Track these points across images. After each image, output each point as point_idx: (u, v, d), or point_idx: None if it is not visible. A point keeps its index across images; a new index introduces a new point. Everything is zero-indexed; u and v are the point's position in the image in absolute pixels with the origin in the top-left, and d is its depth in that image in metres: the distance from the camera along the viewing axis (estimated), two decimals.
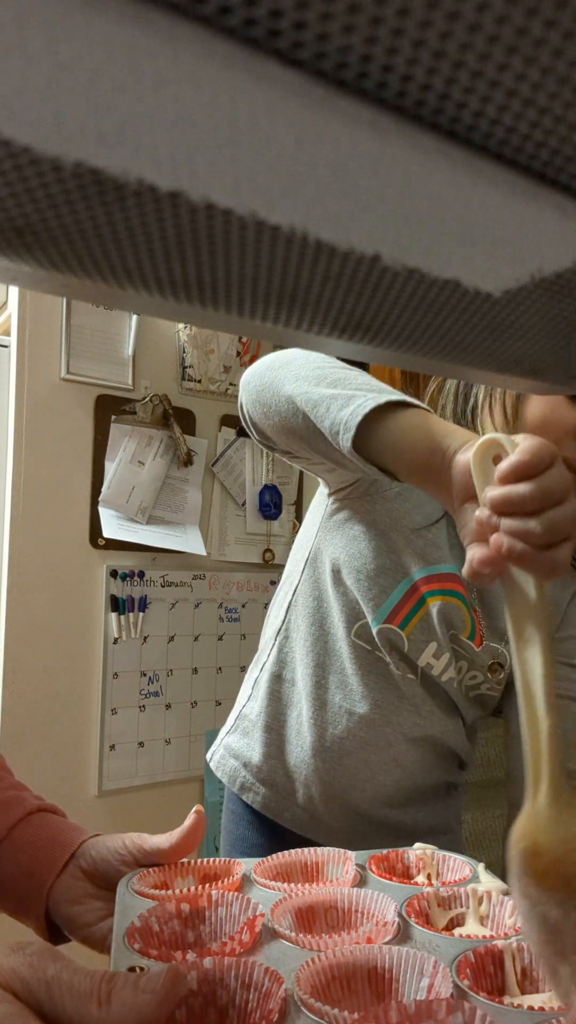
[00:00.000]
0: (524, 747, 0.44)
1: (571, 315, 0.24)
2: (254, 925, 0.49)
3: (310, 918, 0.54)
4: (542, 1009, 0.41)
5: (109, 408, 1.68)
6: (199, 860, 0.61)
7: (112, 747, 1.63)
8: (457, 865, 0.61)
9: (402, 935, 0.49)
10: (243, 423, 0.80)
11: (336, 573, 0.84)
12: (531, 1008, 0.41)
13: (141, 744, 1.68)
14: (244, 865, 0.60)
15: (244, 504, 1.87)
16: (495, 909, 0.53)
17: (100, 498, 1.64)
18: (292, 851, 0.62)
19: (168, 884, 0.58)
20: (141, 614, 1.69)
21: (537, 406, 0.75)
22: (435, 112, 0.16)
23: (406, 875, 0.62)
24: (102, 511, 1.64)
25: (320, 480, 0.89)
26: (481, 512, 0.48)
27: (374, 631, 0.81)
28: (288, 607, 0.90)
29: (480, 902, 0.54)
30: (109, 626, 1.65)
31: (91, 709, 1.62)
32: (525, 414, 0.76)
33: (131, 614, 1.67)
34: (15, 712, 1.48)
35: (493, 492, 0.48)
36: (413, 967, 0.45)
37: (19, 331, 1.58)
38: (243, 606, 1.86)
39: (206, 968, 0.44)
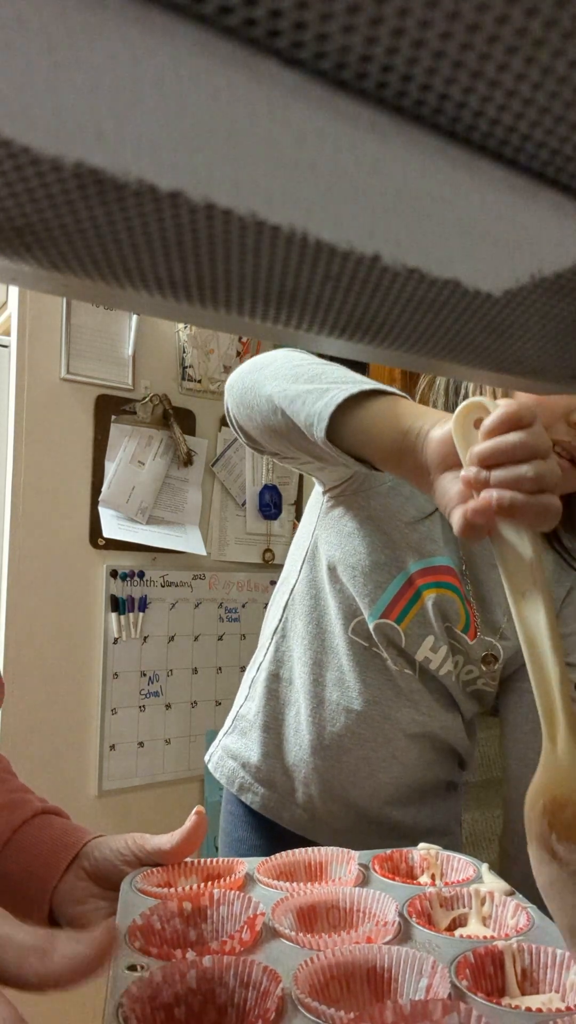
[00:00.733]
0: (537, 702, 0.45)
1: (571, 315, 0.24)
2: (254, 924, 0.49)
3: (312, 917, 0.54)
4: (539, 1011, 0.41)
5: (109, 408, 1.68)
6: (202, 860, 0.61)
7: (112, 747, 1.63)
8: (461, 865, 0.61)
9: (402, 935, 0.49)
10: (230, 427, 0.80)
11: (332, 571, 0.84)
12: (528, 1009, 0.41)
13: (141, 744, 1.68)
14: (247, 864, 0.60)
15: (244, 504, 1.87)
16: (498, 910, 0.53)
17: (100, 498, 1.64)
18: (295, 851, 0.62)
19: (171, 883, 0.59)
20: (141, 614, 1.69)
21: (522, 395, 0.76)
22: (435, 112, 0.16)
23: (410, 875, 0.62)
24: (102, 511, 1.64)
25: (315, 479, 0.90)
26: (467, 471, 0.49)
27: (371, 627, 0.81)
28: (285, 606, 0.90)
29: (483, 902, 0.54)
30: (109, 626, 1.65)
31: (91, 709, 1.62)
32: (515, 399, 0.76)
33: (131, 614, 1.67)
34: (15, 712, 1.48)
35: (481, 446, 0.49)
36: (412, 967, 0.45)
37: (19, 331, 1.58)
38: (243, 606, 1.86)
39: (205, 967, 0.44)
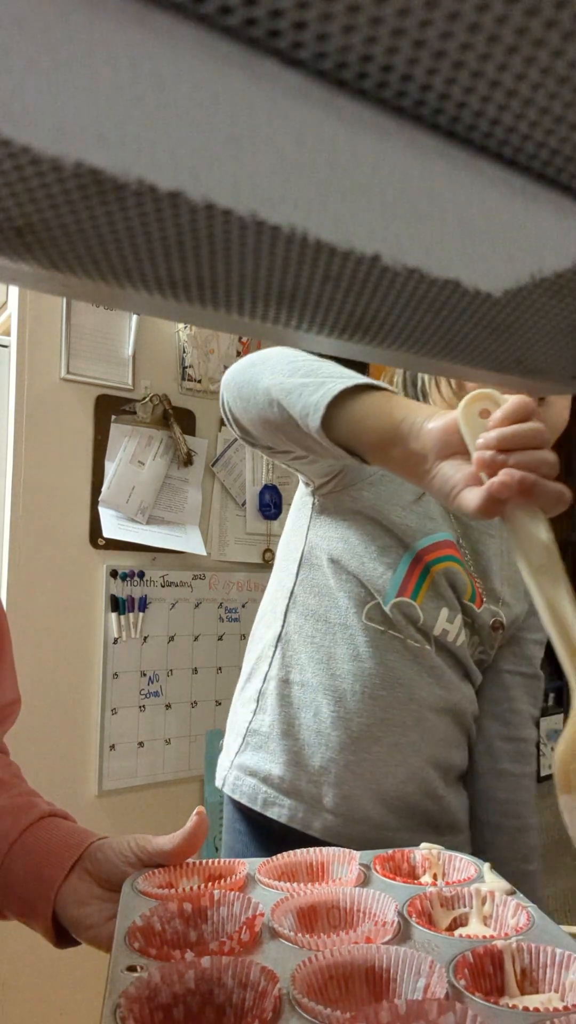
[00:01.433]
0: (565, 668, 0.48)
1: (571, 315, 0.24)
2: (253, 924, 0.49)
3: (312, 918, 0.54)
4: (537, 1010, 0.41)
5: (109, 408, 1.68)
6: (204, 860, 0.61)
7: (112, 747, 1.63)
8: (463, 865, 0.61)
9: (402, 935, 0.49)
10: (225, 420, 0.82)
11: (336, 563, 0.85)
12: (526, 1009, 0.41)
13: (141, 744, 1.68)
14: (248, 865, 0.60)
15: (244, 504, 1.87)
16: (498, 909, 0.53)
17: (100, 498, 1.64)
18: (296, 851, 0.62)
19: (173, 884, 0.59)
20: (141, 614, 1.69)
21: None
22: (435, 112, 0.16)
23: (412, 875, 0.62)
24: (102, 511, 1.64)
25: (302, 479, 0.91)
26: (483, 454, 0.52)
27: (387, 608, 0.83)
28: (285, 612, 0.91)
29: (483, 902, 0.54)
30: (109, 626, 1.65)
31: (91, 709, 1.62)
32: (468, 389, 0.82)
33: (131, 614, 1.67)
34: None
35: (501, 431, 0.52)
36: (410, 967, 0.45)
37: (19, 331, 1.58)
38: (243, 606, 1.86)
39: (204, 967, 0.44)
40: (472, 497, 0.52)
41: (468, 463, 0.54)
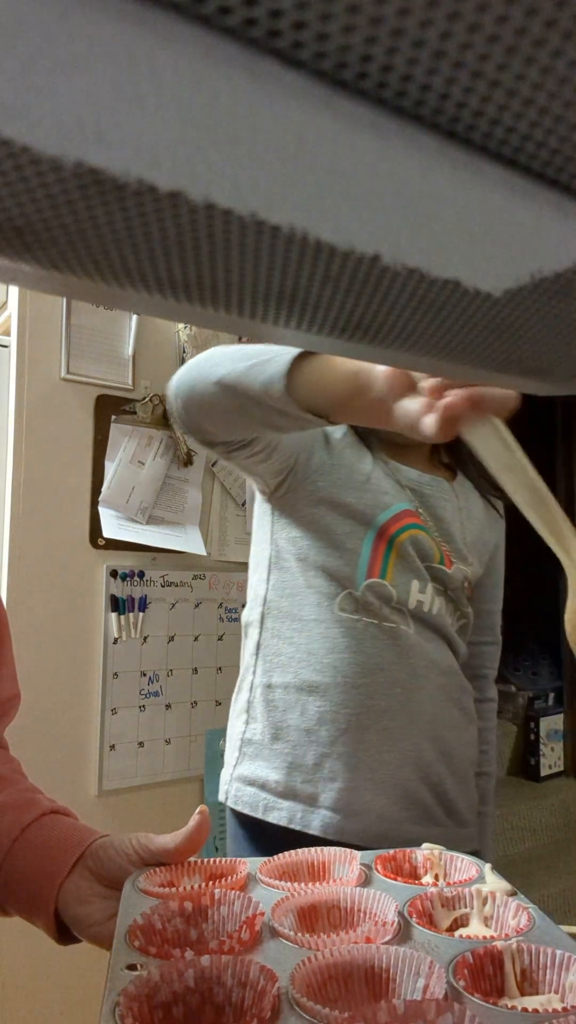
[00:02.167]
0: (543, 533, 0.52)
1: (571, 315, 0.24)
2: (253, 924, 0.49)
3: (312, 917, 0.54)
4: (536, 1011, 0.41)
5: (109, 408, 1.67)
6: (206, 859, 0.61)
7: (112, 747, 1.63)
8: (464, 865, 0.61)
9: (402, 935, 0.49)
10: (179, 426, 0.84)
11: (303, 561, 0.87)
12: (525, 1010, 0.41)
13: (141, 744, 1.68)
14: (249, 864, 0.60)
15: (244, 504, 1.87)
16: (499, 910, 0.53)
17: (100, 498, 1.64)
18: (297, 851, 0.62)
19: (175, 883, 0.59)
20: (141, 614, 1.69)
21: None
22: (435, 112, 0.16)
23: (413, 875, 0.62)
24: (102, 511, 1.64)
25: (257, 487, 0.93)
26: (431, 382, 0.56)
27: (359, 593, 0.84)
28: (261, 619, 0.92)
29: (484, 903, 0.54)
30: (109, 626, 1.65)
31: (91, 709, 1.62)
32: None
33: (131, 614, 1.67)
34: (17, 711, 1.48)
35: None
36: (410, 967, 0.45)
37: (19, 331, 1.58)
38: (243, 606, 1.86)
39: (203, 966, 0.44)
40: (430, 421, 0.55)
41: (422, 397, 0.57)
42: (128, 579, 1.68)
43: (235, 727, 0.94)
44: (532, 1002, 0.43)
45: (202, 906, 0.53)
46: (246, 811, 0.88)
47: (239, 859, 0.61)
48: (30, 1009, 1.49)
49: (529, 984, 0.46)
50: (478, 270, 0.20)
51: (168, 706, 1.73)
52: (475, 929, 0.52)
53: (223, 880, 0.58)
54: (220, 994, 0.44)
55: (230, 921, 0.53)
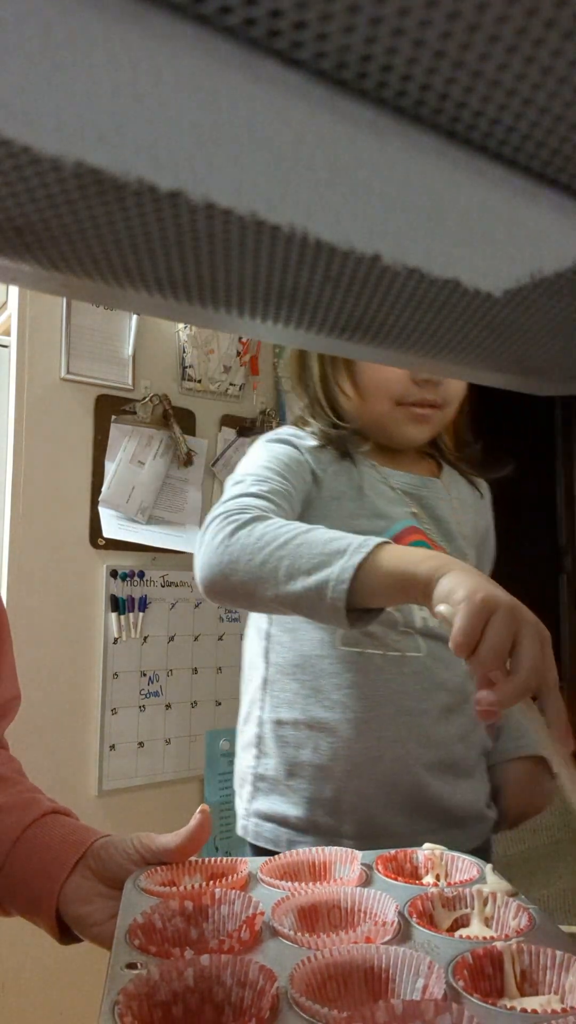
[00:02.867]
0: None
1: (571, 315, 0.24)
2: (253, 923, 0.49)
3: (313, 917, 0.54)
4: (535, 1012, 0.41)
5: (109, 408, 1.67)
6: (207, 859, 0.61)
7: (112, 747, 1.63)
8: (465, 866, 0.61)
9: (402, 935, 0.49)
10: (202, 591, 0.80)
11: None
12: (524, 1011, 0.41)
13: (141, 744, 1.68)
14: (250, 864, 0.60)
15: None
16: (500, 911, 0.53)
17: (100, 498, 1.64)
18: (298, 851, 0.62)
19: (175, 882, 0.59)
20: (141, 614, 1.69)
21: (366, 372, 0.87)
22: (435, 112, 0.16)
23: (414, 875, 0.62)
24: (102, 511, 1.64)
25: None
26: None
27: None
28: (265, 654, 0.91)
29: (485, 903, 0.53)
30: (109, 626, 1.65)
31: (91, 709, 1.62)
32: (363, 384, 0.87)
33: (131, 614, 1.67)
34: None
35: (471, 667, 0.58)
36: (409, 967, 0.45)
37: (19, 331, 1.58)
38: (241, 619, 1.86)
39: (203, 965, 0.44)
40: (479, 709, 0.57)
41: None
42: (128, 579, 1.68)
43: (245, 760, 0.93)
44: (532, 1003, 0.43)
45: (202, 905, 0.53)
46: (268, 847, 0.88)
47: (240, 859, 0.61)
48: (30, 1009, 1.49)
49: (529, 985, 0.46)
50: (478, 270, 0.20)
51: (168, 706, 1.73)
52: (476, 930, 0.52)
53: (224, 879, 0.58)
54: (219, 993, 0.44)
55: (230, 920, 0.53)
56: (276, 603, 0.70)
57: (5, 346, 1.60)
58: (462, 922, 0.53)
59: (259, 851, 0.89)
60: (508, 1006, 0.41)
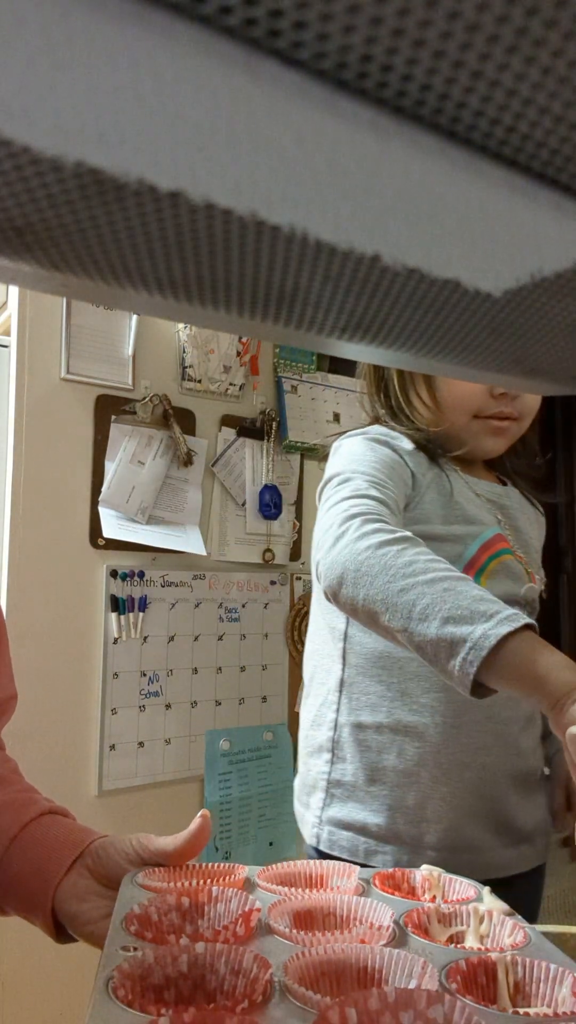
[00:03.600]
0: None
1: (571, 315, 0.24)
2: (249, 919, 0.49)
3: (308, 921, 0.54)
4: (527, 1015, 0.41)
5: (109, 408, 1.67)
6: (204, 864, 0.61)
7: (112, 747, 1.63)
8: (462, 888, 0.61)
9: (397, 941, 0.49)
10: (322, 587, 0.77)
11: None
12: (516, 1013, 0.41)
13: (141, 744, 1.68)
14: (247, 870, 0.60)
15: (244, 504, 1.87)
16: (495, 929, 0.53)
17: (100, 498, 1.64)
18: (296, 861, 0.62)
19: (172, 883, 0.59)
20: (141, 614, 1.69)
21: (446, 385, 0.88)
22: (435, 112, 0.16)
23: (411, 894, 0.61)
24: (102, 511, 1.64)
25: None
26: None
27: None
28: (343, 655, 0.89)
29: (481, 921, 0.53)
30: (109, 626, 1.65)
31: (91, 709, 1.62)
32: (442, 397, 0.88)
33: (131, 614, 1.67)
34: (16, 711, 1.48)
35: None
36: (402, 968, 0.45)
37: (19, 331, 1.58)
38: (243, 606, 1.86)
39: (197, 952, 0.44)
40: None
41: None
42: (128, 579, 1.68)
43: (315, 765, 0.90)
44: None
45: (199, 902, 0.53)
46: (344, 856, 0.85)
47: (237, 864, 0.61)
48: (30, 1009, 1.49)
49: (522, 997, 0.46)
50: (478, 270, 0.20)
51: (168, 706, 1.73)
52: (470, 945, 0.52)
53: (221, 880, 0.58)
54: (213, 981, 0.44)
55: (226, 917, 0.52)
56: (398, 635, 0.67)
57: (5, 346, 1.60)
58: (457, 939, 0.53)
59: (331, 859, 0.88)
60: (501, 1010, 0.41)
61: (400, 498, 0.83)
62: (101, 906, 0.58)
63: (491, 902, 0.57)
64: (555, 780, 0.92)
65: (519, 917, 0.54)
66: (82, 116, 0.14)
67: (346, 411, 2.04)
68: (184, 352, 1.79)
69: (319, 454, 0.88)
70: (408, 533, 0.72)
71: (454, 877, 0.62)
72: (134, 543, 1.66)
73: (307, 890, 0.57)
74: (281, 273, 0.19)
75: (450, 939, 0.53)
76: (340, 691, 0.88)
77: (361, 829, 0.84)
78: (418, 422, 0.90)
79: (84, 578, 1.63)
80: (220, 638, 1.82)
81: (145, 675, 1.70)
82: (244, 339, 1.88)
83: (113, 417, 1.68)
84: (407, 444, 0.88)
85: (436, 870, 0.63)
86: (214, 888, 0.54)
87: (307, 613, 1.93)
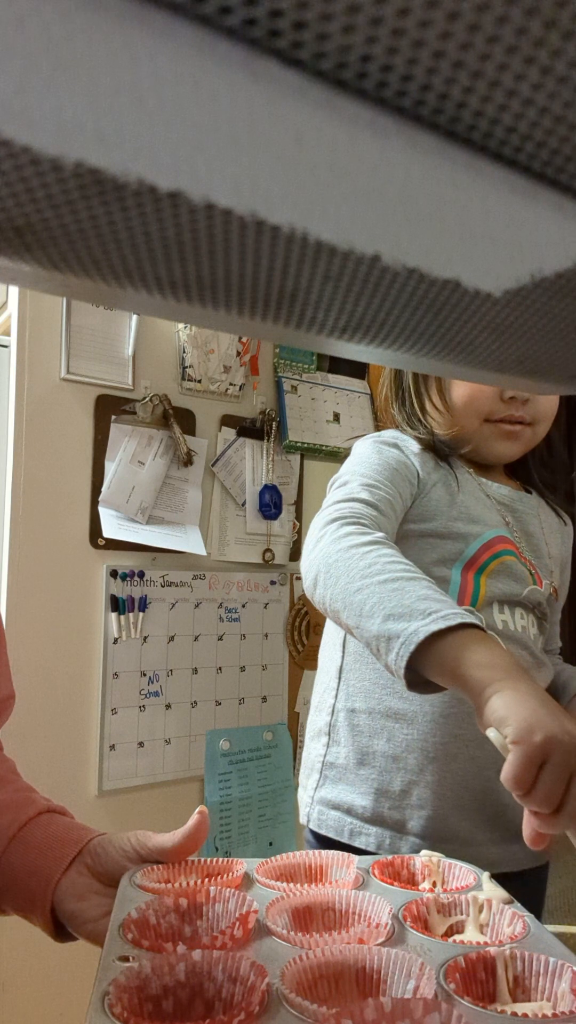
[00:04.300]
0: None
1: (571, 315, 0.24)
2: (247, 921, 0.49)
3: (307, 918, 0.54)
4: (525, 1016, 0.41)
5: (109, 408, 1.67)
6: (204, 859, 0.61)
7: (112, 747, 1.63)
8: (462, 873, 0.61)
9: (395, 938, 0.49)
10: (304, 587, 0.80)
11: None
12: (514, 1015, 0.41)
13: (141, 744, 1.68)
14: (246, 864, 0.60)
15: (244, 504, 1.87)
16: (495, 917, 0.53)
17: (100, 498, 1.64)
18: (295, 853, 0.62)
19: (171, 881, 0.59)
20: (141, 614, 1.69)
21: (456, 389, 0.89)
22: (435, 112, 0.16)
23: (411, 882, 0.61)
24: (102, 511, 1.64)
25: None
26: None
27: None
28: (344, 642, 0.91)
29: (480, 910, 0.53)
30: (109, 626, 1.65)
31: (91, 709, 1.62)
32: (453, 401, 0.89)
33: (131, 614, 1.67)
34: (15, 712, 1.48)
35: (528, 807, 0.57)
36: (401, 969, 0.45)
37: (19, 331, 1.58)
38: (243, 606, 1.86)
39: (194, 960, 0.44)
40: (526, 833, 0.57)
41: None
42: (128, 579, 1.68)
43: (314, 749, 0.93)
44: (524, 1008, 0.42)
45: (197, 903, 0.53)
46: (330, 835, 0.87)
47: (235, 859, 0.61)
48: (30, 1009, 1.49)
49: (522, 991, 0.46)
50: (478, 270, 0.20)
51: (168, 706, 1.73)
52: (470, 936, 0.52)
53: (219, 879, 0.58)
54: (210, 989, 0.44)
55: (224, 918, 0.53)
56: (354, 632, 0.70)
57: (5, 346, 1.60)
58: (457, 928, 0.53)
59: (321, 839, 0.89)
60: (499, 1010, 0.41)
61: (399, 498, 0.85)
62: (101, 904, 0.58)
63: (491, 889, 0.57)
64: None
65: (518, 905, 0.54)
66: (82, 116, 0.14)
67: (346, 411, 2.04)
68: (184, 352, 1.79)
69: (341, 456, 0.91)
70: (380, 535, 0.74)
71: (454, 862, 0.62)
72: (134, 543, 1.66)
73: (306, 885, 0.57)
74: (281, 273, 0.19)
75: (450, 929, 0.53)
76: (339, 678, 0.91)
77: (348, 810, 0.87)
78: (432, 427, 0.92)
79: (84, 578, 1.63)
80: (220, 638, 1.82)
81: (145, 675, 1.70)
82: (244, 339, 1.88)
83: (113, 417, 1.68)
84: (415, 446, 0.91)
85: (436, 855, 0.63)
86: (212, 888, 0.54)
87: (307, 613, 1.93)
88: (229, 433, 1.86)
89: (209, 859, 0.62)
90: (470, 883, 0.59)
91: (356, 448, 0.93)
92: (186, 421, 1.79)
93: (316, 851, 0.62)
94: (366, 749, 0.86)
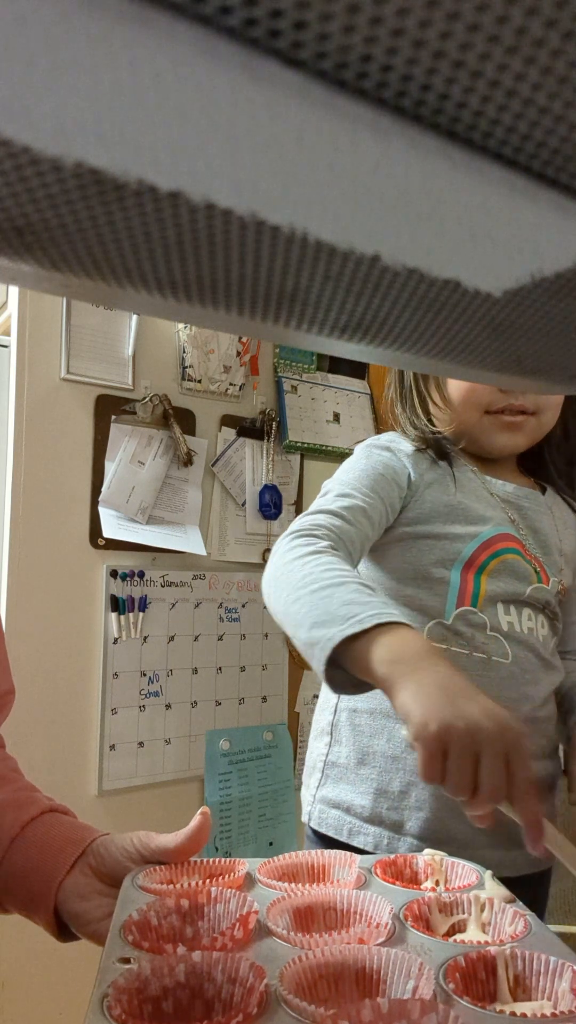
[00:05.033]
0: None
1: (571, 315, 0.24)
2: (247, 922, 0.49)
3: (308, 918, 0.54)
4: (524, 1016, 0.41)
5: (109, 408, 1.67)
6: (206, 859, 0.61)
7: (112, 747, 1.63)
8: (465, 872, 0.61)
9: (396, 937, 0.49)
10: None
11: (389, 591, 0.87)
12: (513, 1015, 0.41)
13: (141, 744, 1.68)
14: (248, 864, 0.60)
15: (244, 504, 1.87)
16: (497, 916, 0.53)
17: (100, 498, 1.64)
18: (298, 852, 0.62)
19: (173, 881, 0.59)
20: (141, 614, 1.69)
21: (454, 382, 0.89)
22: (435, 112, 0.16)
23: (414, 880, 0.61)
24: (102, 511, 1.64)
25: None
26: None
27: (449, 621, 0.84)
28: None
29: (482, 909, 0.53)
30: (109, 626, 1.65)
31: (91, 709, 1.62)
32: (451, 395, 0.89)
33: (131, 614, 1.67)
34: (15, 712, 1.48)
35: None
36: (400, 969, 0.45)
37: (19, 331, 1.58)
38: (243, 606, 1.86)
39: (194, 961, 0.44)
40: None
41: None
42: (128, 579, 1.68)
43: (317, 748, 0.94)
44: (524, 1008, 0.42)
45: (198, 904, 0.53)
46: (330, 833, 0.88)
47: (237, 859, 0.61)
48: (30, 1009, 1.49)
49: (522, 990, 0.46)
50: (478, 270, 0.20)
51: (168, 706, 1.73)
52: (472, 934, 0.52)
53: (221, 879, 0.58)
54: (210, 990, 0.44)
55: (225, 919, 0.53)
56: (293, 642, 0.71)
57: (5, 346, 1.60)
58: (459, 927, 0.53)
59: (321, 838, 0.89)
60: (499, 1010, 0.41)
61: (380, 503, 0.85)
62: (104, 904, 0.58)
63: (492, 887, 0.57)
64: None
65: (520, 904, 0.54)
66: (82, 116, 0.14)
67: (346, 411, 2.04)
68: (184, 352, 1.79)
69: (342, 456, 0.92)
70: (325, 544, 0.76)
71: (456, 861, 0.62)
72: (134, 543, 1.66)
73: (307, 885, 0.57)
74: (281, 273, 0.19)
75: (452, 928, 0.53)
76: None
77: (347, 809, 0.87)
78: (435, 424, 0.92)
79: (84, 578, 1.63)
80: (220, 638, 1.82)
81: (145, 675, 1.70)
82: (244, 339, 1.88)
83: (113, 417, 1.68)
84: (408, 447, 0.91)
85: (439, 854, 0.63)
86: (213, 889, 0.54)
87: None
88: (229, 433, 1.86)
89: (212, 859, 0.62)
90: (472, 882, 0.59)
91: (353, 454, 0.94)
92: (186, 421, 1.79)
93: (318, 851, 0.62)
94: (367, 749, 0.87)
